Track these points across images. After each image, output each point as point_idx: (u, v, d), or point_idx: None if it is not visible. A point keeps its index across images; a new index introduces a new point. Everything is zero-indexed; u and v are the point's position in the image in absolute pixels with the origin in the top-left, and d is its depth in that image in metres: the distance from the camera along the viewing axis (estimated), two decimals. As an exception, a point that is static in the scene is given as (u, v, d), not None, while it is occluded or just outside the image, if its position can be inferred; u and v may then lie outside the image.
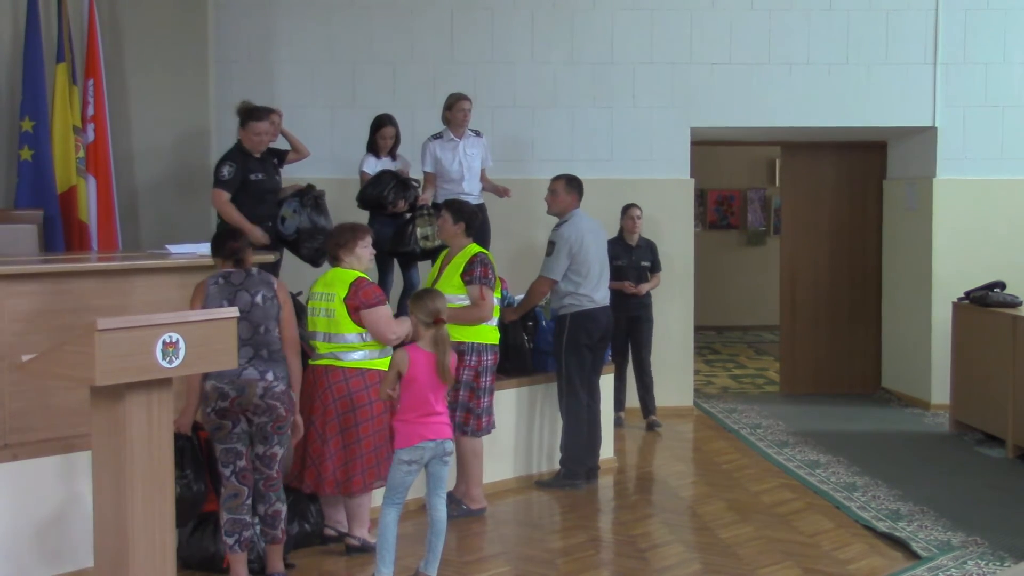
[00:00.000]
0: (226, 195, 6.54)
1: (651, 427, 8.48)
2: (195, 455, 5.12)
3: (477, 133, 7.67)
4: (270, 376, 4.90)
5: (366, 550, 5.43)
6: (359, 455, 5.41)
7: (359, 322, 5.37)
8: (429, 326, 4.95)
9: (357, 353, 5.41)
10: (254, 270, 5.04)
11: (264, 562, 5.09)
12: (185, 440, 5.05)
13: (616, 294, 8.18)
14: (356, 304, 5.35)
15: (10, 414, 4.94)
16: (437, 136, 7.57)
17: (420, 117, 8.07)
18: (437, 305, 4.97)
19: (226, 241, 5.09)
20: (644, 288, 8.45)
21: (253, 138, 6.58)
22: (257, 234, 6.40)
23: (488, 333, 6.19)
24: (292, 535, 5.41)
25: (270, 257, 6.23)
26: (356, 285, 5.39)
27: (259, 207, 6.67)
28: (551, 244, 6.84)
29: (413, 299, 5.11)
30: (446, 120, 7.59)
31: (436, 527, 5.00)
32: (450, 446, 5.03)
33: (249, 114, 6.68)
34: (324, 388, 5.42)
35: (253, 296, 4.94)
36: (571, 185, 6.96)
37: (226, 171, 6.53)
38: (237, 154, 6.63)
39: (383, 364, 5.38)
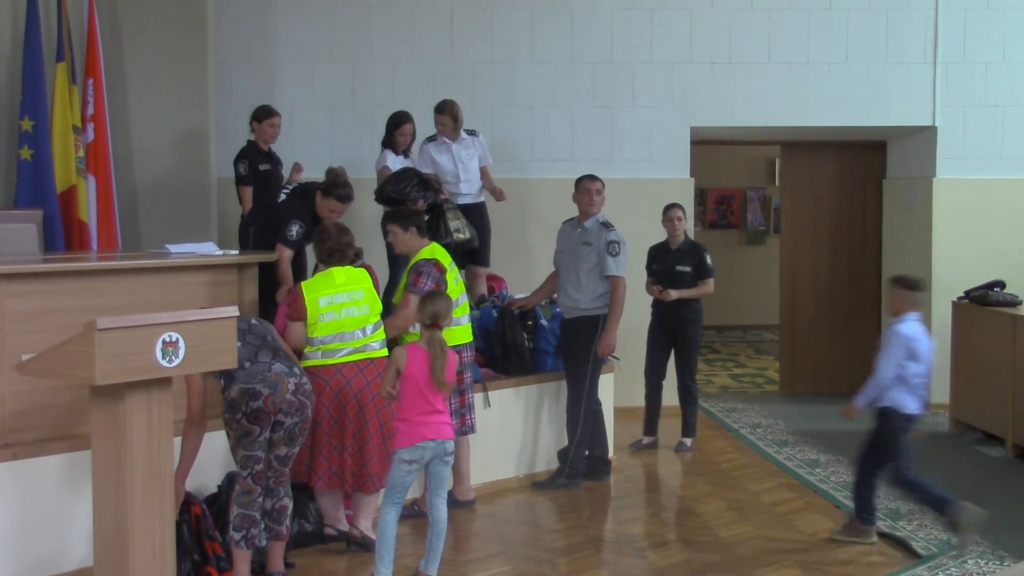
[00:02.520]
0: (290, 253, 6.46)
1: (679, 447, 7.87)
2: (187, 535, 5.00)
3: (472, 133, 7.60)
4: (298, 371, 5.02)
5: (367, 545, 5.44)
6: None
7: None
8: (427, 327, 4.99)
9: (379, 341, 5.56)
10: None
11: (265, 560, 5.09)
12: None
13: (656, 302, 7.87)
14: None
15: (10, 414, 4.95)
16: (431, 139, 7.54)
17: (420, 117, 8.05)
18: (437, 309, 4.99)
19: None
20: (673, 294, 7.65)
21: (327, 212, 6.37)
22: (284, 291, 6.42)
23: (458, 334, 6.11)
24: (292, 534, 5.40)
25: (272, 256, 6.25)
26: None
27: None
28: (615, 244, 6.80)
29: (422, 298, 5.17)
30: None
31: (437, 527, 5.01)
32: (451, 446, 5.04)
33: (337, 188, 6.32)
34: (363, 385, 5.45)
35: (249, 320, 5.15)
36: None
37: (295, 232, 6.36)
38: (307, 216, 6.40)
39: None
